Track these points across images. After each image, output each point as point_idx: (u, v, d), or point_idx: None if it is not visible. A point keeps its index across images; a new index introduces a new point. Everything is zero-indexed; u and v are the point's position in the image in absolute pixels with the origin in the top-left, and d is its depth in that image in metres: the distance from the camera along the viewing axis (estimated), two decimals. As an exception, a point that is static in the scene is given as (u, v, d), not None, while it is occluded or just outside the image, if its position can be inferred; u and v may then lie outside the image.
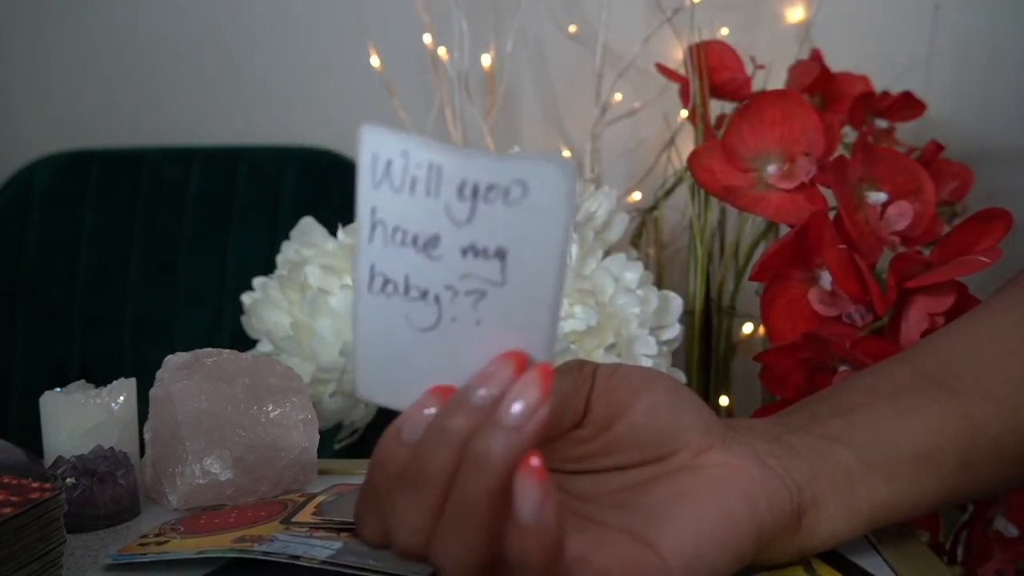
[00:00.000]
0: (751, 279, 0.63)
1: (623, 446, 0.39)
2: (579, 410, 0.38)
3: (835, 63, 0.87)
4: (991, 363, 0.45)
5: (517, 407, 0.32)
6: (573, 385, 0.38)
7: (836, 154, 0.64)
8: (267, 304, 0.76)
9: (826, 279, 0.61)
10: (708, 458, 0.39)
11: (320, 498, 0.53)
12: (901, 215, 0.60)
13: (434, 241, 0.33)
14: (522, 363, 0.33)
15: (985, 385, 0.44)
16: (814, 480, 0.40)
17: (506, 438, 0.32)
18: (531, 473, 0.32)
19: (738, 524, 0.38)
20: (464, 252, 0.33)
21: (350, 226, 0.77)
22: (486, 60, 0.98)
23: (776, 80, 0.89)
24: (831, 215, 0.60)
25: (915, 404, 0.43)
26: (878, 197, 0.61)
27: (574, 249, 0.70)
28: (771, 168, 0.64)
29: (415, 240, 0.33)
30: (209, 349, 0.58)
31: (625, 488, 0.39)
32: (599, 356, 0.67)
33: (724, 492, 0.38)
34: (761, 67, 0.83)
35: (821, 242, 0.59)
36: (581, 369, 0.39)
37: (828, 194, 0.63)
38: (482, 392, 0.33)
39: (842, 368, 0.59)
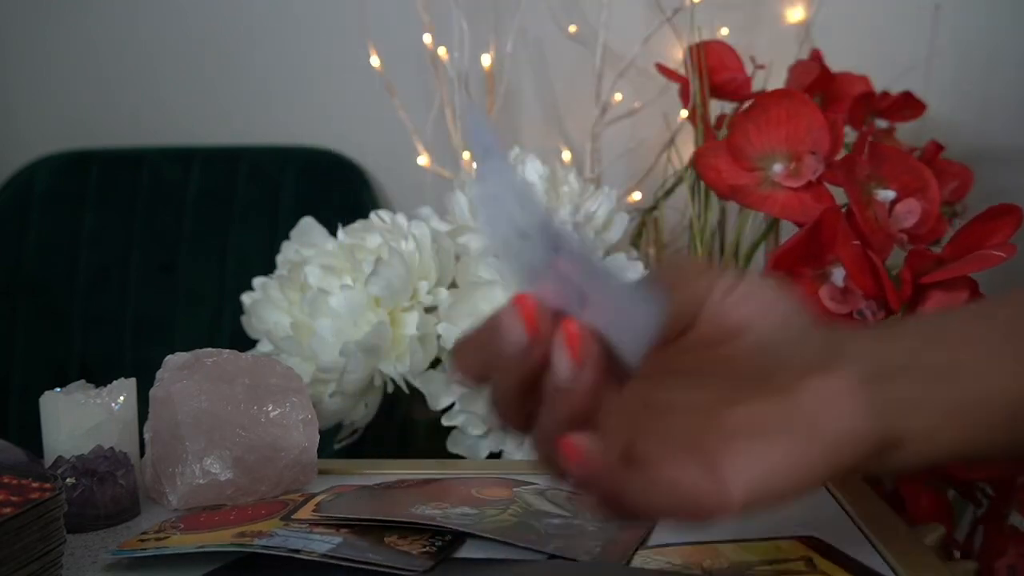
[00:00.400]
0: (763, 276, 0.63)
1: (721, 366, 0.38)
2: (685, 324, 0.38)
3: (835, 63, 0.87)
4: None
5: (562, 372, 0.34)
6: (686, 299, 0.37)
7: (839, 153, 0.64)
8: (267, 304, 0.76)
9: (838, 276, 0.61)
10: (805, 383, 0.38)
11: (319, 497, 0.53)
12: (909, 212, 0.60)
13: (529, 239, 0.35)
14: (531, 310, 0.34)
15: None
16: (904, 427, 0.39)
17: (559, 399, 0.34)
18: (567, 339, 0.33)
19: (814, 468, 0.38)
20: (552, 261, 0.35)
21: (350, 226, 0.77)
22: (486, 60, 0.98)
23: (776, 80, 0.89)
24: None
25: (1013, 360, 0.42)
26: (887, 195, 0.61)
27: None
28: (777, 167, 0.64)
29: (515, 226, 0.35)
30: (209, 349, 0.57)
31: (716, 400, 0.39)
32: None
33: (808, 437, 0.38)
34: (761, 67, 0.83)
35: (834, 239, 0.59)
36: (697, 281, 0.38)
37: (833, 193, 0.63)
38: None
39: None
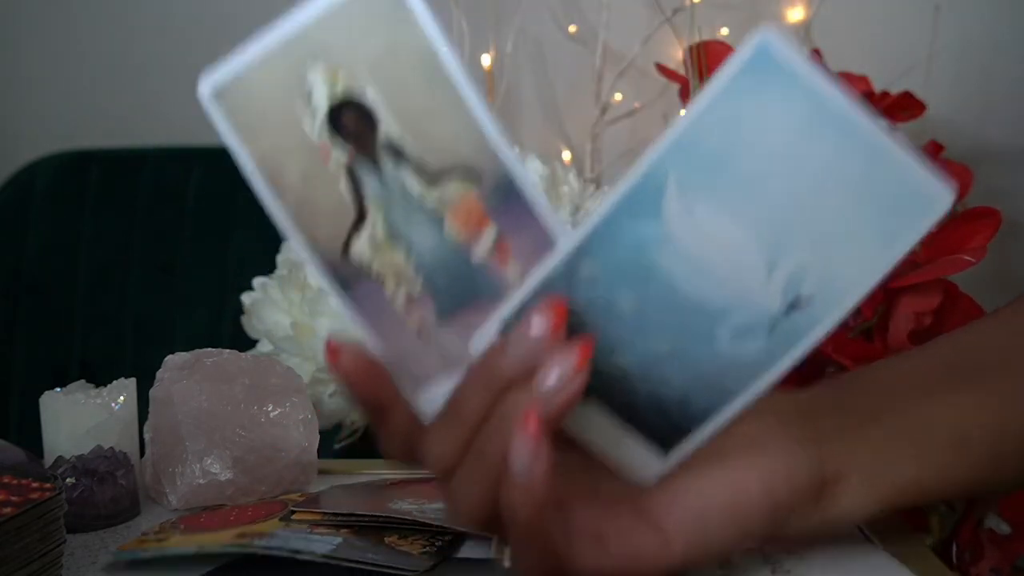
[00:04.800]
0: None
1: None
2: None
3: (835, 63, 0.87)
4: (1015, 360, 0.44)
5: (552, 378, 0.33)
6: None
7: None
8: (267, 304, 0.76)
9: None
10: (729, 431, 0.38)
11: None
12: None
13: None
14: (561, 312, 0.34)
15: (1011, 380, 0.44)
16: (838, 455, 0.40)
17: (535, 405, 0.33)
18: (528, 434, 0.33)
19: (750, 500, 0.38)
20: None
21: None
22: (486, 60, 0.98)
23: (776, 80, 0.89)
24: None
25: (947, 392, 0.43)
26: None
27: None
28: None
29: None
30: (209, 349, 0.58)
31: None
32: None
33: (740, 466, 0.38)
34: (761, 67, 0.83)
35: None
36: None
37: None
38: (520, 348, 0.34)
39: (828, 370, 0.59)
